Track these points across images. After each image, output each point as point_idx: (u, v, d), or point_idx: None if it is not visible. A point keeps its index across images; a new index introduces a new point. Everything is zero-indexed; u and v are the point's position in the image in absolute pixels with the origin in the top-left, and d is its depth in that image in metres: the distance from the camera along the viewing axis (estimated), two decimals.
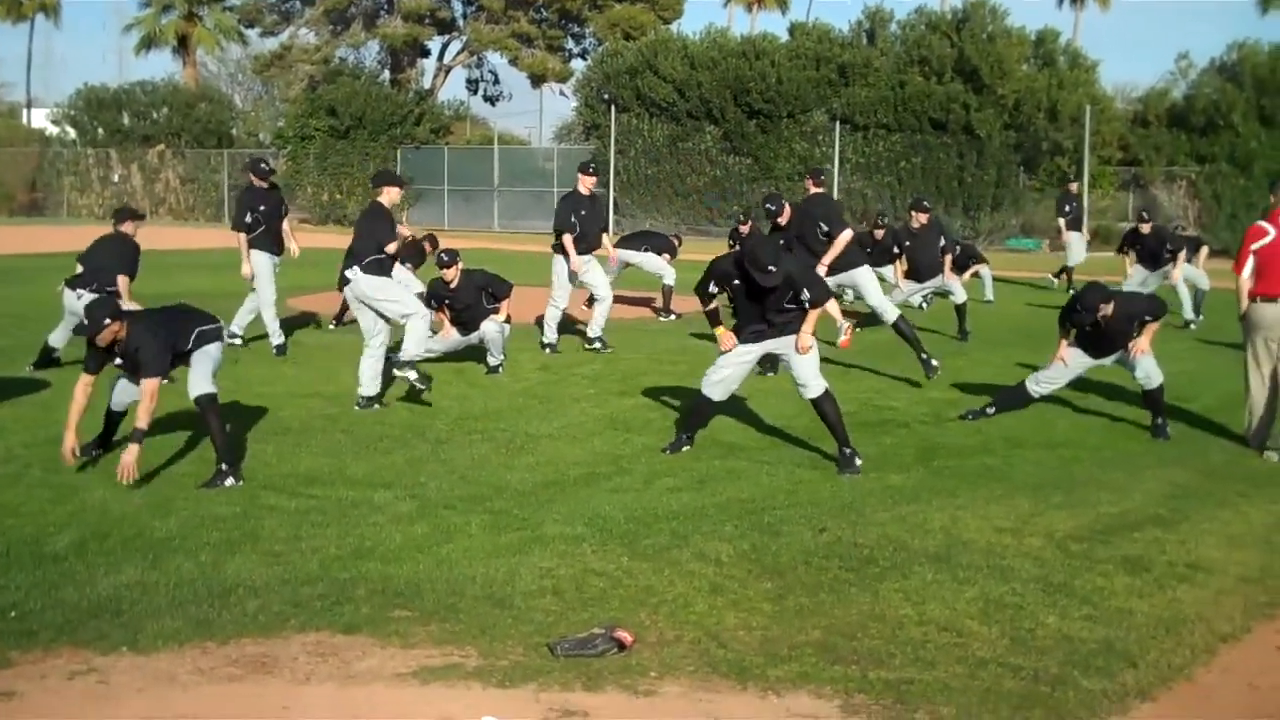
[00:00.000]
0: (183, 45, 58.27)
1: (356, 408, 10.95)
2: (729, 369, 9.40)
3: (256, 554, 6.85)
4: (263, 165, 14.48)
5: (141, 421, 8.07)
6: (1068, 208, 24.05)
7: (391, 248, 11.33)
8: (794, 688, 5.18)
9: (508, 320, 13.21)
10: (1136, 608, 6.20)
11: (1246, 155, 35.01)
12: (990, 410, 10.99)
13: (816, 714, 4.97)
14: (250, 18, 57.26)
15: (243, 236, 13.99)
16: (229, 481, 8.30)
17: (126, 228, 12.60)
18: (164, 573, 6.50)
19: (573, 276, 14.43)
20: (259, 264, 13.97)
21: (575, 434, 10.23)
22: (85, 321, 8.27)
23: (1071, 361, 10.71)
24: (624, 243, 18.79)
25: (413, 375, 10.85)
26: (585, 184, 14.68)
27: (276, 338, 14.11)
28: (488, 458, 9.36)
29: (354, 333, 15.66)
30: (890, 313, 12.81)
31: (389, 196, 11.52)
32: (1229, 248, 34.27)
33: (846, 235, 13.06)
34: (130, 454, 8.01)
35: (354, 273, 11.12)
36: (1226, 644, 5.80)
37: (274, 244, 14.13)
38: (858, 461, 9.02)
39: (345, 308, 16.37)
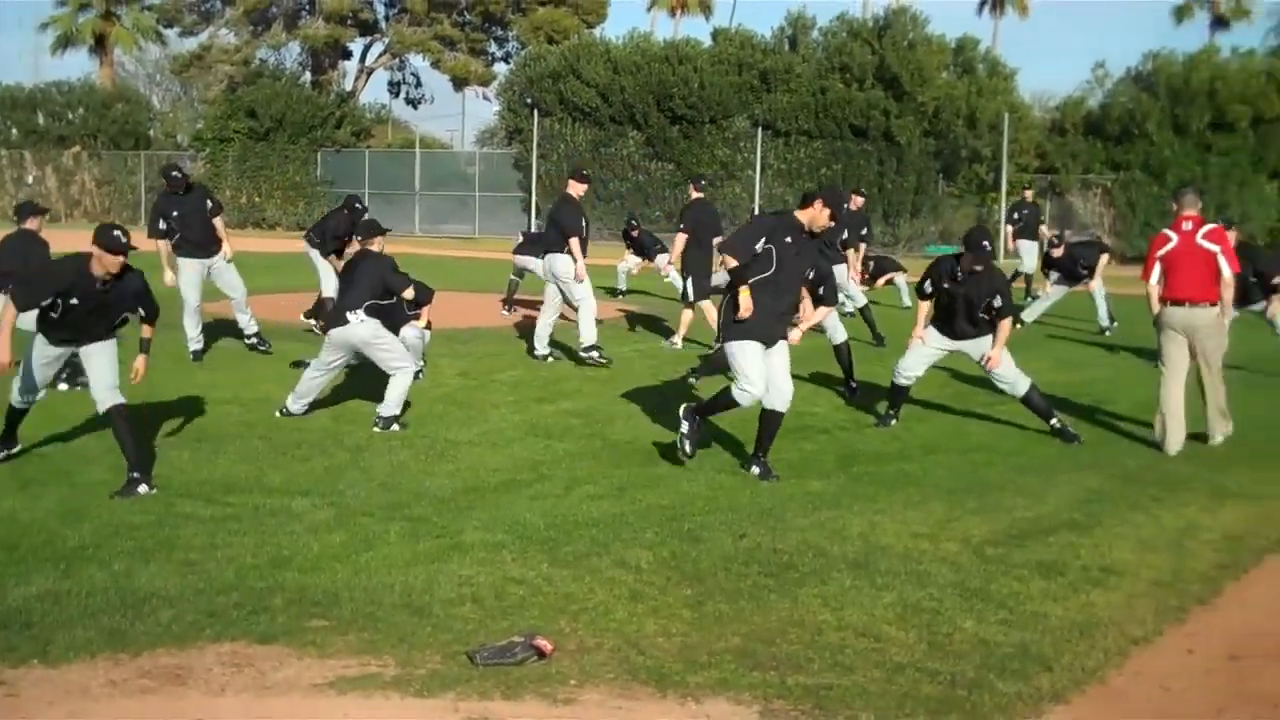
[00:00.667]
0: (100, 45, 57.40)
1: (277, 414, 10.84)
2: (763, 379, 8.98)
3: (171, 563, 6.76)
4: (173, 173, 14.17)
5: (147, 334, 8.71)
6: (1016, 215, 24.01)
7: (409, 294, 11.27)
8: (713, 694, 5.20)
9: (428, 326, 13.13)
10: (1051, 611, 6.28)
11: (1160, 163, 35.62)
12: (890, 413, 11.15)
13: None
14: (169, 17, 56.51)
15: (161, 244, 13.84)
16: (142, 489, 8.19)
17: (31, 224, 12.33)
18: (75, 582, 6.40)
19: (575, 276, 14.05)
20: (181, 269, 13.80)
21: (495, 440, 10.20)
22: (116, 235, 8.37)
23: (929, 341, 10.98)
24: (523, 248, 18.72)
25: (396, 429, 10.59)
26: (578, 189, 14.54)
27: (194, 344, 13.93)
28: (407, 464, 9.30)
29: (292, 339, 15.55)
30: (840, 333, 12.80)
31: (380, 245, 11.24)
32: (1142, 254, 34.90)
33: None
34: (143, 360, 8.75)
35: (356, 316, 10.56)
36: (1138, 647, 5.89)
37: (197, 249, 13.86)
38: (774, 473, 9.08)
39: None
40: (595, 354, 14.03)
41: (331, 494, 8.35)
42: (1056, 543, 7.47)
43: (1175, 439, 10.19)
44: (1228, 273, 10.21)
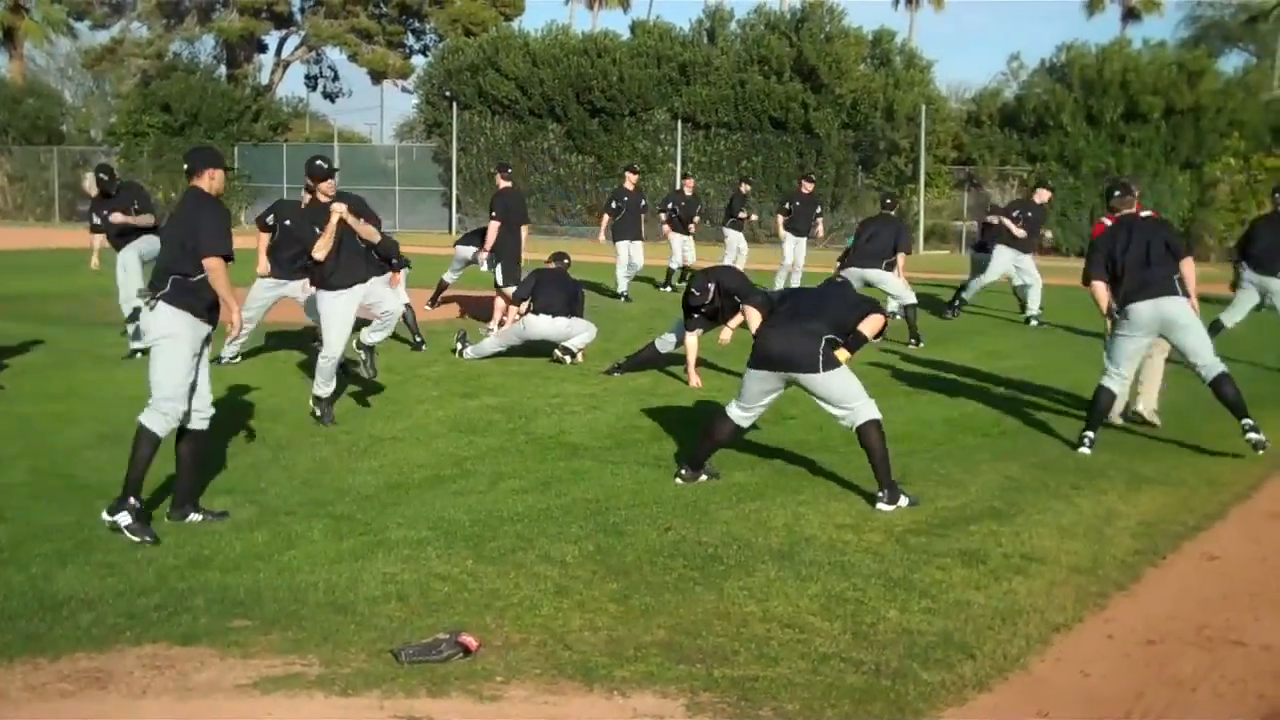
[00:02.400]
0: (9, 38, 56.33)
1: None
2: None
3: (90, 565, 6.66)
4: (101, 175, 14.63)
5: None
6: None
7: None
8: (640, 688, 5.19)
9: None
10: (974, 599, 6.34)
11: (1075, 154, 36.08)
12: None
13: (662, 713, 4.98)
14: (80, 10, 55.62)
15: (96, 238, 14.70)
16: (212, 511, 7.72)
17: None
18: None
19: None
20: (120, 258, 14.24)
21: (419, 436, 10.14)
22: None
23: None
24: (466, 240, 18.73)
25: (318, 412, 10.47)
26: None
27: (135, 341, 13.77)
28: (330, 461, 9.23)
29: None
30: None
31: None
32: (1059, 244, 35.36)
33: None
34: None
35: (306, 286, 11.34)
36: (1059, 633, 5.95)
37: (120, 239, 14.25)
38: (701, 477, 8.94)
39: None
40: (569, 358, 14.01)
41: (253, 492, 8.28)
42: (978, 531, 7.54)
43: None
44: None
